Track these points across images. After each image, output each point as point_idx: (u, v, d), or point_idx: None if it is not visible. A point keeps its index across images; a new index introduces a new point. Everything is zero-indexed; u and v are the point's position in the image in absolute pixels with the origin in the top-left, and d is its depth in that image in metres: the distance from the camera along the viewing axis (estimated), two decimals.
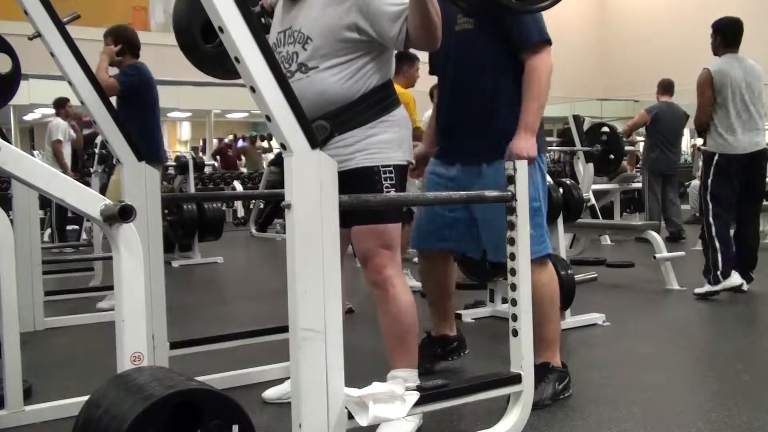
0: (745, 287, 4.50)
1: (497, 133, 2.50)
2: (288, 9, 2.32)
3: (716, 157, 4.47)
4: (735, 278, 4.40)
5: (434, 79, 2.83)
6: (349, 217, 2.17)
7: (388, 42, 2.17)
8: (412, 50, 2.43)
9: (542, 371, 2.49)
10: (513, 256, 2.09)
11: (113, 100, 4.30)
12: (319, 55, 2.20)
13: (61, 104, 7.99)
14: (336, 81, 2.20)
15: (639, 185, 8.27)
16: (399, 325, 2.25)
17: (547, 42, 2.46)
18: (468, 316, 3.89)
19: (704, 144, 4.64)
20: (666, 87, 7.29)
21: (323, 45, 2.19)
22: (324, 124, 2.19)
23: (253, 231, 9.15)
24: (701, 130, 4.61)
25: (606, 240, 7.36)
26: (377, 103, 2.25)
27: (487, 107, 2.53)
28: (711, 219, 4.48)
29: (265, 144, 14.08)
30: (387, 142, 2.24)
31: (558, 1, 1.81)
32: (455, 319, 3.78)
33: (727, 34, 4.59)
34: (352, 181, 2.13)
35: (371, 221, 2.21)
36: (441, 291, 2.88)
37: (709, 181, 4.51)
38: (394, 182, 2.23)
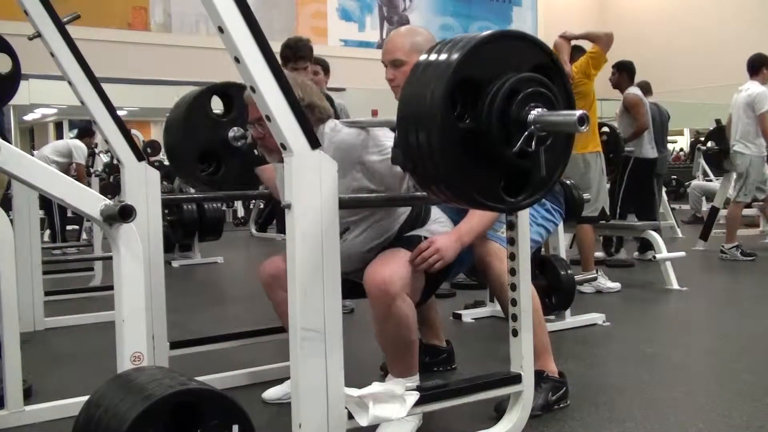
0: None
1: None
2: None
3: (633, 161, 5.77)
4: (622, 255, 6.16)
5: None
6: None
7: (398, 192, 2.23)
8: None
9: (535, 379, 2.44)
10: (513, 257, 2.09)
11: None
12: (345, 220, 2.22)
13: (87, 133, 7.88)
14: (372, 232, 2.28)
15: None
16: (395, 343, 2.19)
17: None
18: (468, 316, 3.88)
19: (624, 150, 5.84)
20: (648, 88, 7.32)
21: (345, 212, 2.16)
22: None
23: (253, 231, 9.15)
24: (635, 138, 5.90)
25: None
26: (414, 223, 2.33)
27: None
28: (618, 208, 5.77)
29: None
30: (431, 231, 2.32)
31: (539, 199, 1.83)
32: (455, 319, 3.81)
33: (631, 72, 6.05)
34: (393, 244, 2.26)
35: (402, 246, 2.23)
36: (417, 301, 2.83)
37: (626, 177, 5.81)
38: None
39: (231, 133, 2.64)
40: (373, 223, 2.29)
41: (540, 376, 2.41)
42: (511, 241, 2.09)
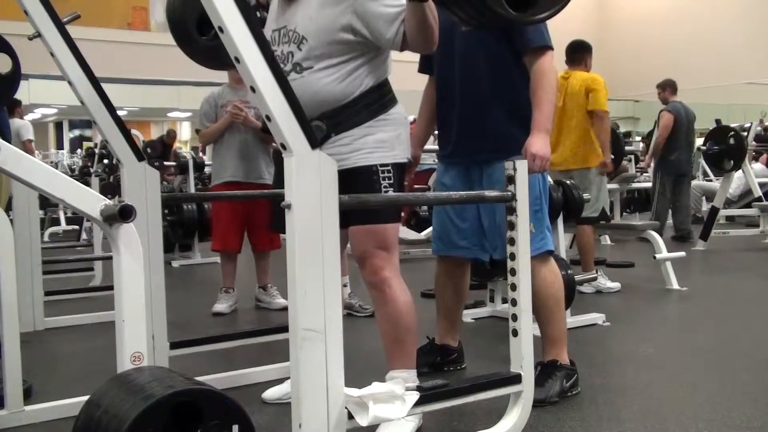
0: None
1: (502, 133, 2.52)
2: (284, 7, 2.32)
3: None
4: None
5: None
6: (346, 217, 2.18)
7: (383, 44, 2.18)
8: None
9: (550, 369, 2.52)
10: (513, 256, 2.09)
11: None
12: (313, 56, 2.21)
13: (13, 105, 7.75)
14: (330, 82, 2.20)
15: (639, 185, 8.25)
16: (396, 327, 2.24)
17: (550, 47, 2.49)
18: (468, 316, 3.88)
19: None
20: (675, 87, 7.29)
21: (318, 46, 2.20)
22: (320, 125, 2.20)
23: None
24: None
25: (606, 240, 7.36)
26: (373, 102, 2.25)
27: (494, 106, 2.54)
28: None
29: None
30: (383, 141, 2.24)
31: (556, 13, 1.81)
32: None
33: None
34: (351, 180, 2.13)
35: (368, 221, 2.21)
36: (455, 298, 2.87)
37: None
38: (392, 181, 2.24)
39: None
40: (344, 70, 2.21)
41: (554, 366, 2.54)
42: (512, 241, 2.09)
